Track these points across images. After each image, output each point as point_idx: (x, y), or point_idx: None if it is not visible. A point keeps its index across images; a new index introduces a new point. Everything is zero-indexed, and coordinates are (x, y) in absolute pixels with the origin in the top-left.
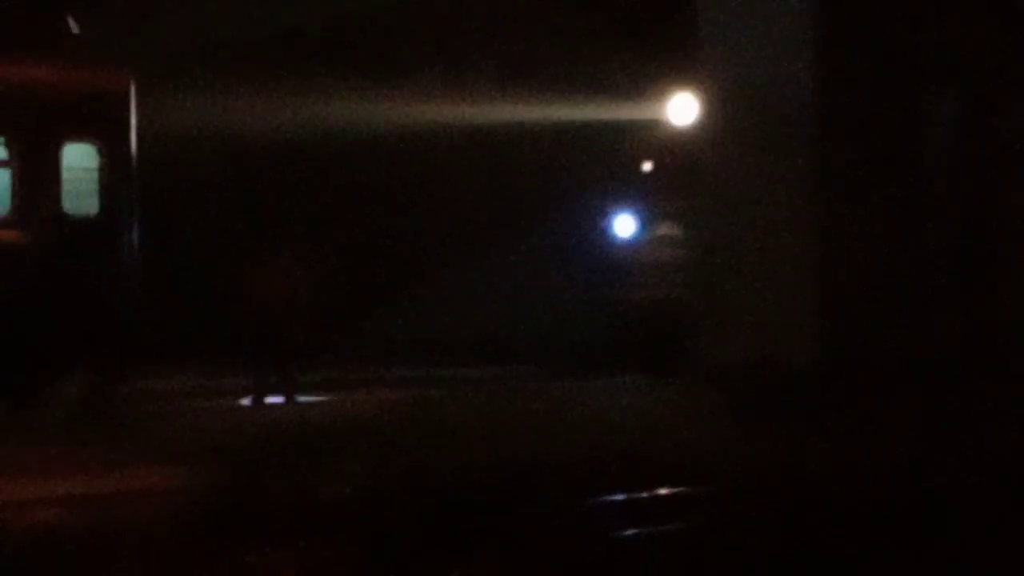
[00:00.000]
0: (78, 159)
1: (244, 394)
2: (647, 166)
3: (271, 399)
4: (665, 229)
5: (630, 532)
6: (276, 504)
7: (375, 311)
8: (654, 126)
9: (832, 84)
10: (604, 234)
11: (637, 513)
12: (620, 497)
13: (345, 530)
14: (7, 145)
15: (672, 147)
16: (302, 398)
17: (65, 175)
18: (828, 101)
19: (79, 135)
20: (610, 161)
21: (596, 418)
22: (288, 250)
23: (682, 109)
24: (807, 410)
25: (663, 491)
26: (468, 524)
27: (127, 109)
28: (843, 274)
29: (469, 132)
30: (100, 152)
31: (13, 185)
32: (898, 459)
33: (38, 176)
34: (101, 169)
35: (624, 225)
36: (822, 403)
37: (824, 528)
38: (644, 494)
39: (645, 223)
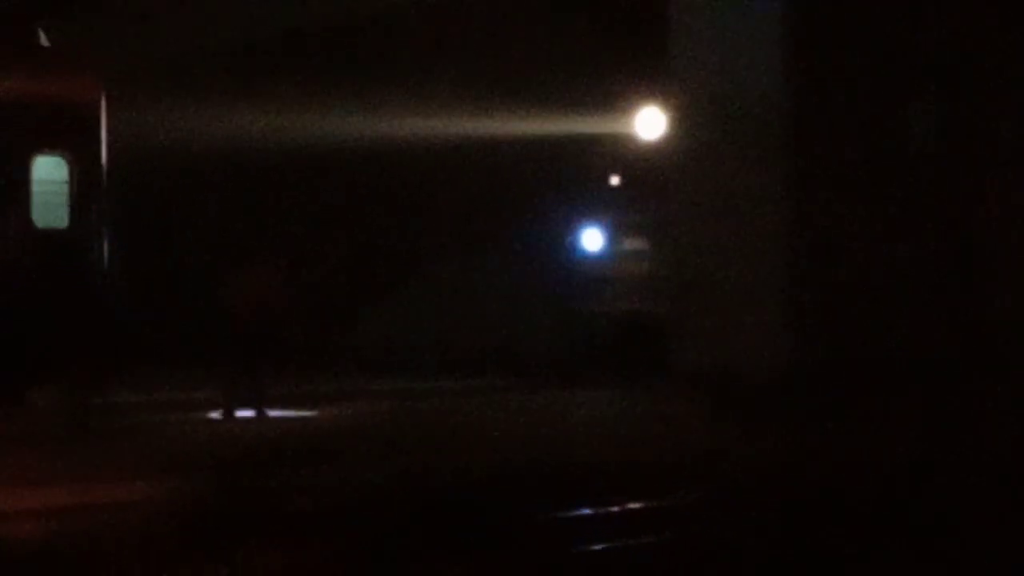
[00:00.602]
0: (48, 172)
1: (215, 408)
2: (615, 180)
3: (242, 413)
4: (633, 242)
5: (612, 543)
6: (250, 515)
7: (347, 323)
8: (622, 140)
9: (804, 93)
10: (572, 247)
11: (617, 524)
12: (590, 510)
13: (318, 541)
14: None
15: (640, 161)
16: (273, 412)
17: (35, 188)
18: (800, 111)
19: (49, 148)
20: (578, 175)
21: (574, 428)
22: (261, 261)
23: (649, 123)
24: (779, 416)
25: (640, 504)
26: (445, 534)
27: (97, 122)
28: (815, 282)
29: (439, 145)
30: (70, 165)
31: None
32: (872, 461)
33: (8, 189)
34: (71, 182)
35: (592, 239)
36: (793, 409)
37: (806, 531)
38: (619, 507)
39: (613, 236)
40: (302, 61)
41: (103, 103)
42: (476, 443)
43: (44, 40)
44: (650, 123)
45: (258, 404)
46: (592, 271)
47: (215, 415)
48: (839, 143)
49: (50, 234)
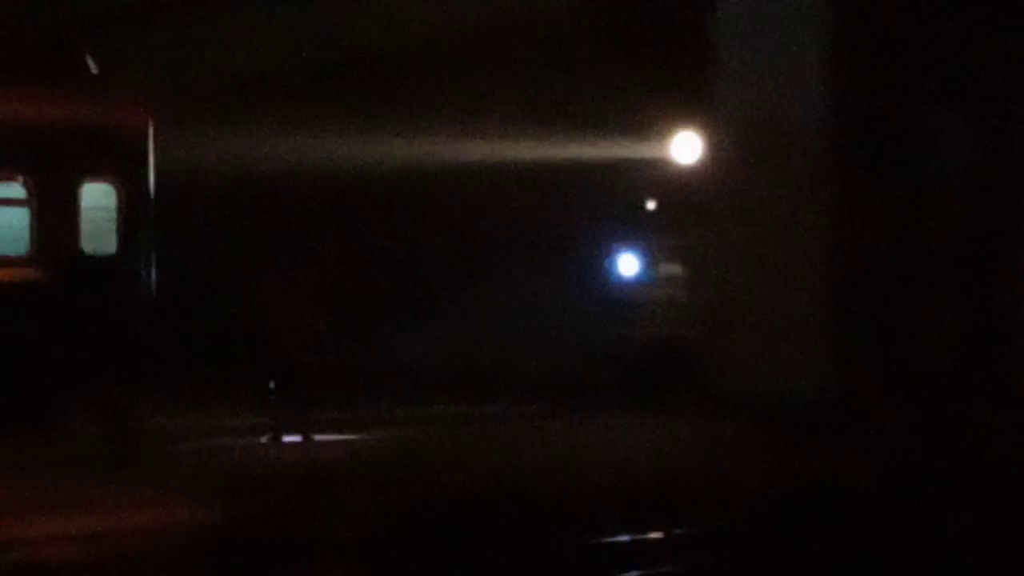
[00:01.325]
0: (97, 198)
1: (261, 433)
2: (651, 204)
3: (288, 438)
4: (667, 267)
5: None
6: (294, 542)
7: (383, 347)
8: (658, 165)
9: (843, 116)
10: (607, 272)
11: (652, 551)
12: (629, 537)
13: (358, 566)
14: (26, 185)
15: (676, 185)
16: (319, 437)
17: (84, 214)
18: (842, 136)
19: (98, 175)
20: (615, 200)
21: (632, 453)
22: (305, 286)
23: (685, 148)
24: (830, 439)
25: (681, 530)
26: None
27: (145, 148)
28: (857, 306)
29: (478, 170)
30: (118, 191)
31: (32, 225)
32: (916, 487)
33: (57, 216)
34: (119, 208)
35: (627, 263)
36: (843, 432)
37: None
38: (658, 534)
39: (649, 262)
40: (345, 87)
41: (151, 130)
42: (534, 469)
43: (93, 67)
44: (686, 148)
45: (305, 429)
46: (627, 296)
47: (262, 440)
48: (880, 168)
49: (98, 260)
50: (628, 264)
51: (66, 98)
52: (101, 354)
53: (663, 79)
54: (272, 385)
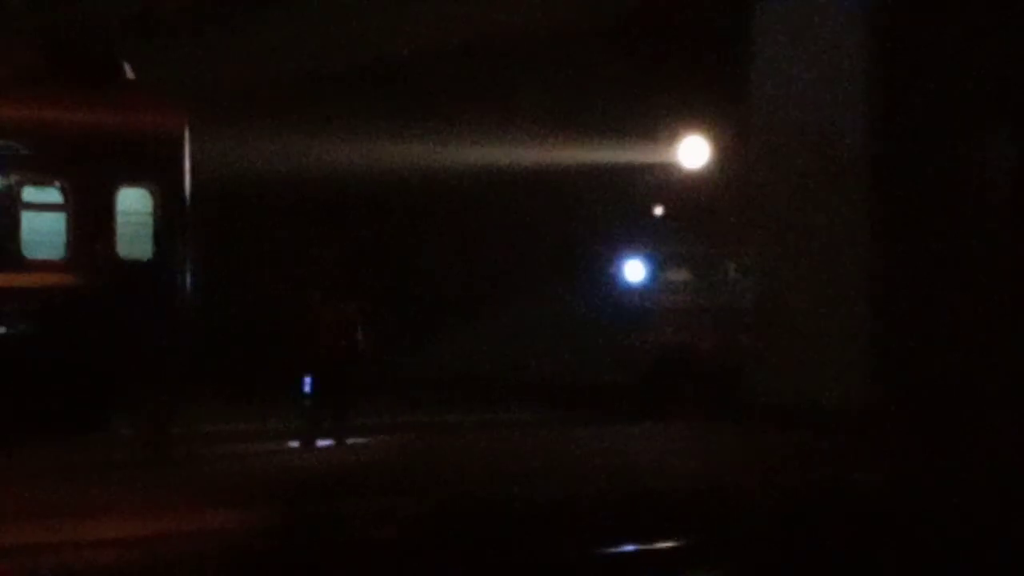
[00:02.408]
0: (133, 204)
1: (294, 437)
2: (658, 210)
3: (322, 442)
4: (678, 274)
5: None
6: (325, 543)
7: (405, 354)
8: (668, 169)
9: (886, 127)
10: (619, 277)
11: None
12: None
13: (391, 569)
14: (63, 190)
15: (685, 191)
16: (351, 440)
17: (120, 219)
18: (883, 146)
19: (134, 180)
20: (624, 205)
21: (681, 457)
22: (339, 291)
23: (694, 153)
24: (864, 449)
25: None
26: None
27: (181, 154)
28: (898, 315)
29: (504, 176)
30: (154, 197)
31: (69, 230)
32: (961, 496)
33: (93, 221)
34: (155, 213)
35: (636, 269)
36: (878, 442)
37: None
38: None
39: (658, 268)
40: (376, 92)
41: (186, 135)
42: (587, 472)
43: (129, 73)
44: (695, 153)
45: (339, 433)
46: (638, 302)
47: (294, 444)
48: (921, 178)
49: (134, 265)
50: (636, 270)
51: (102, 104)
52: (136, 358)
53: (701, 87)
54: (307, 389)
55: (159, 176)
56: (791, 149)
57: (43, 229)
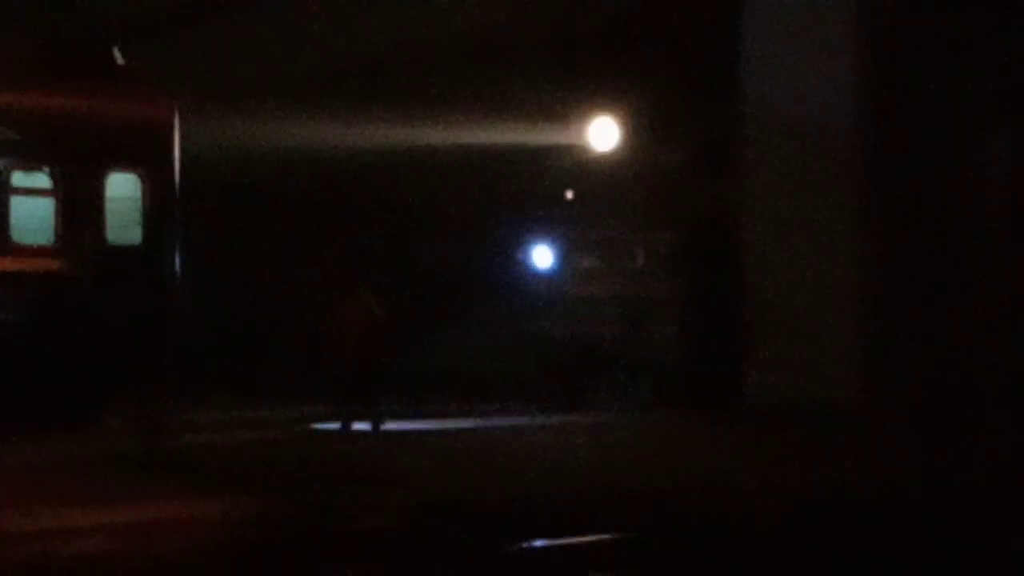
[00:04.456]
0: (122, 189)
1: (290, 424)
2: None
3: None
4: (589, 261)
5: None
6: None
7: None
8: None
9: (881, 126)
10: (524, 264)
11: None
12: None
13: (383, 560)
14: (52, 175)
15: (590, 174)
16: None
17: (109, 205)
18: (877, 143)
19: (123, 166)
20: (530, 189)
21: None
22: (358, 282)
23: (604, 135)
24: (852, 447)
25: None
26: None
27: (170, 140)
28: (892, 314)
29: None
30: (143, 182)
31: (57, 215)
32: (951, 495)
33: (82, 206)
34: (144, 199)
35: (543, 255)
36: (868, 440)
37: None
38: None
39: (566, 254)
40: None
41: (176, 122)
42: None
43: (119, 59)
44: (606, 136)
45: (375, 419)
46: (545, 289)
47: (330, 426)
48: (917, 176)
49: (123, 250)
50: (544, 256)
51: (92, 90)
52: (126, 344)
53: (689, 79)
54: (343, 378)
55: (148, 162)
56: (785, 147)
57: (31, 214)
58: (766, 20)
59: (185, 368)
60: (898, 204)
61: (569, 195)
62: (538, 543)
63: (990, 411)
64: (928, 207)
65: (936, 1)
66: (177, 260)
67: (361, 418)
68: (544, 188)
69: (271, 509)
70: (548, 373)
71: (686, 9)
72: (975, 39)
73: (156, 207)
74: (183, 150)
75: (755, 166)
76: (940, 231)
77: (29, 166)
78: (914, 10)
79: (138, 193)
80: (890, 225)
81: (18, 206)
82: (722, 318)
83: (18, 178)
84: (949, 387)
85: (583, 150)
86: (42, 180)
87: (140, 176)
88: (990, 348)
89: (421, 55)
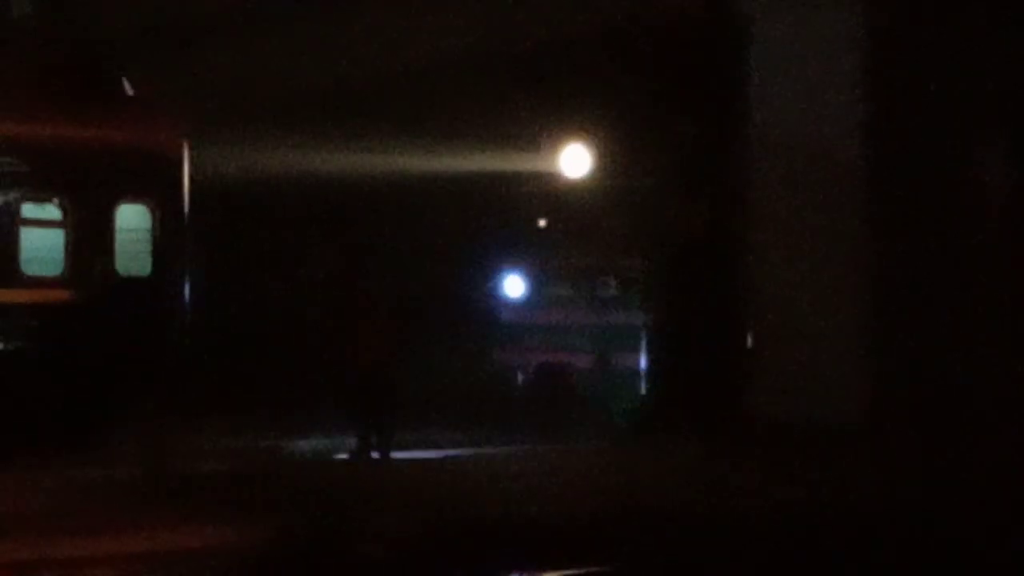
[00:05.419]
0: (132, 220)
1: (297, 452)
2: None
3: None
4: (557, 289)
5: None
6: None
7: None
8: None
9: (881, 135)
10: (494, 292)
11: None
12: None
13: None
14: (62, 206)
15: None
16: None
17: (119, 236)
18: (876, 152)
19: (133, 196)
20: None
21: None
22: (371, 308)
23: (576, 161)
24: (857, 465)
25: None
26: None
27: (180, 170)
28: (896, 322)
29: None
30: (153, 213)
31: (67, 246)
32: (955, 512)
33: (92, 237)
34: (154, 230)
35: (514, 285)
36: (873, 458)
37: None
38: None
39: (535, 282)
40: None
41: (186, 151)
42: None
43: (129, 89)
44: (578, 161)
45: (384, 447)
46: (515, 317)
47: (344, 457)
48: (918, 184)
49: (133, 281)
50: (515, 286)
51: (102, 120)
52: (136, 374)
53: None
54: (357, 405)
55: (158, 192)
56: (787, 156)
57: (41, 245)
58: (766, 35)
59: (193, 396)
60: (902, 216)
61: (542, 223)
62: None
63: (997, 424)
64: (933, 219)
65: (942, 13)
66: (187, 290)
67: (377, 444)
68: (516, 215)
69: (277, 536)
70: (518, 402)
71: (666, 29)
72: (983, 52)
73: (166, 238)
74: (191, 178)
75: (754, 181)
76: (945, 243)
77: (39, 197)
78: (918, 16)
79: (148, 224)
80: (894, 237)
81: (28, 237)
82: (709, 339)
83: (28, 209)
84: (955, 400)
85: (556, 176)
86: (52, 211)
87: (150, 207)
88: (996, 361)
89: (392, 79)
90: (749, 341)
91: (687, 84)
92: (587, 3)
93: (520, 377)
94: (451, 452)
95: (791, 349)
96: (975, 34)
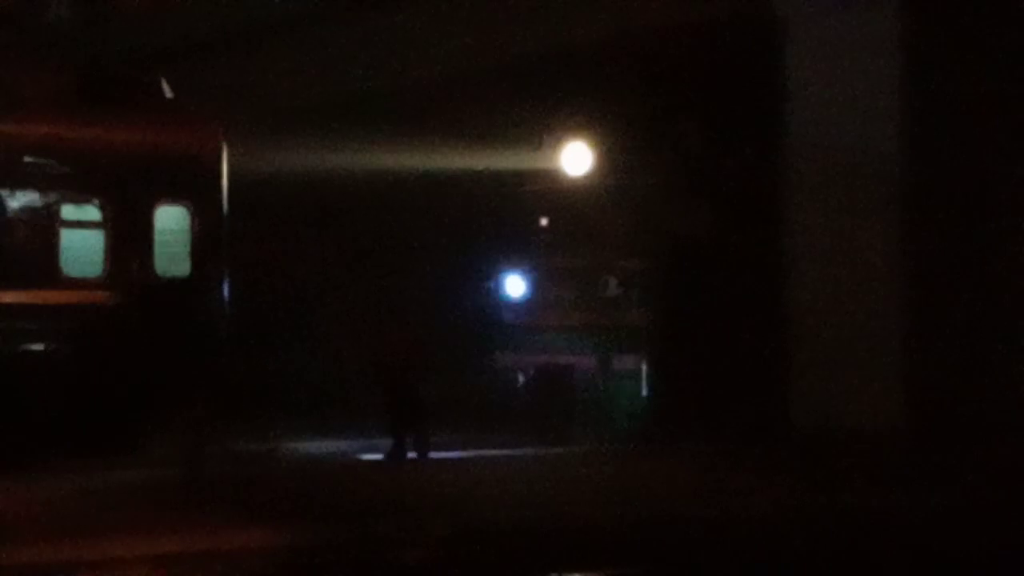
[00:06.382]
0: (170, 221)
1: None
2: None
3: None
4: (558, 289)
5: None
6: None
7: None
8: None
9: (918, 145)
10: (496, 293)
11: None
12: None
13: None
14: (101, 208)
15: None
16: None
17: (158, 237)
18: (914, 164)
19: (171, 198)
20: (510, 216)
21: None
22: (401, 311)
23: (577, 160)
24: (892, 474)
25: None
26: None
27: (218, 172)
28: (928, 337)
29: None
30: (191, 215)
31: (107, 247)
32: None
33: (131, 239)
34: (192, 231)
35: (514, 285)
36: (909, 467)
37: None
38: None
39: (537, 282)
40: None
41: (224, 153)
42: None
43: (167, 91)
44: (579, 160)
45: (422, 448)
46: (516, 318)
47: (378, 457)
48: (957, 188)
49: (172, 283)
50: (515, 286)
51: (140, 122)
52: (173, 376)
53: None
54: (395, 407)
55: (196, 194)
56: (822, 166)
57: (80, 246)
58: (800, 44)
59: (231, 398)
60: (941, 221)
61: (544, 222)
62: None
63: None
64: (972, 223)
65: (980, 25)
66: (225, 292)
67: (413, 445)
68: (518, 215)
69: (313, 539)
70: (520, 404)
71: (704, 31)
72: (1014, 58)
73: (204, 239)
74: (229, 180)
75: (793, 190)
76: (984, 247)
77: (79, 199)
78: (958, 23)
79: (186, 225)
80: (933, 241)
81: (68, 239)
82: (735, 345)
83: (68, 211)
84: (996, 408)
85: (558, 175)
86: (91, 213)
87: (188, 208)
88: None
89: (394, 81)
90: (780, 346)
91: (724, 88)
92: (618, 4)
93: (524, 378)
94: (449, 453)
95: (824, 355)
96: (1013, 44)
